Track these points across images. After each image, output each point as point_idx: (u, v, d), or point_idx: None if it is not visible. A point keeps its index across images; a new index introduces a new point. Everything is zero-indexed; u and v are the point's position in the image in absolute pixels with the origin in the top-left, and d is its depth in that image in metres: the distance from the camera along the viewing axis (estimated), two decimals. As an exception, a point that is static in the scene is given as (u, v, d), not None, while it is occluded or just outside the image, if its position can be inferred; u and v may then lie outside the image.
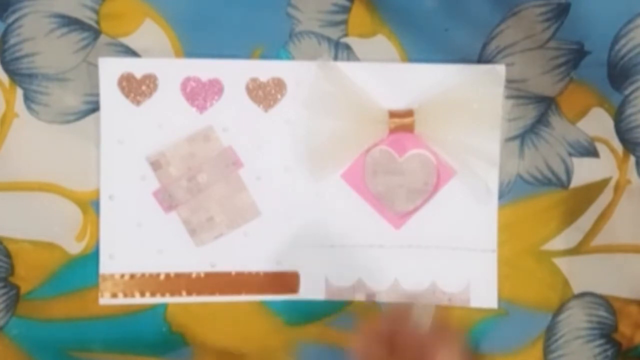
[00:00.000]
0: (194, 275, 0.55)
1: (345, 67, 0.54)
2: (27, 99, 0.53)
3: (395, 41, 0.54)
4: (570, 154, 0.56)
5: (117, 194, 0.54)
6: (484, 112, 0.54)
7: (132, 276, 0.55)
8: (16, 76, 0.53)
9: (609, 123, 0.55)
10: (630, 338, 0.58)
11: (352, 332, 0.52)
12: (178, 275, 0.55)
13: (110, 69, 0.53)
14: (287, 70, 0.54)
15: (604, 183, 0.56)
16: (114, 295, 0.55)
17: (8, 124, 0.53)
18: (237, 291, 0.55)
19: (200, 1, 0.53)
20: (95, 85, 0.53)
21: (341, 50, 0.54)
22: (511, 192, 0.56)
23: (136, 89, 0.53)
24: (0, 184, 0.53)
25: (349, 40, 0.54)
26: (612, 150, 0.56)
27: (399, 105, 0.54)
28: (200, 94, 0.54)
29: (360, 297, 0.56)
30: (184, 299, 0.55)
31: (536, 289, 0.57)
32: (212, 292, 0.55)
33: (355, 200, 0.56)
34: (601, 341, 0.58)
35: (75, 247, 0.54)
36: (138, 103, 0.54)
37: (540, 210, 0.56)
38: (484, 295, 0.56)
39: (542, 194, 0.56)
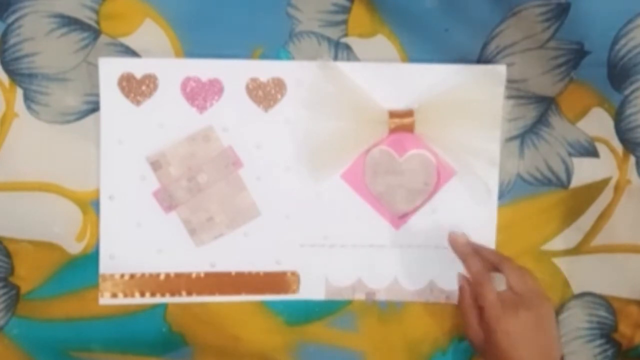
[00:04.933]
0: (194, 275, 0.55)
1: (345, 67, 0.54)
2: (27, 99, 0.53)
3: (395, 41, 0.54)
4: (570, 154, 0.56)
5: (117, 194, 0.54)
6: (484, 112, 0.54)
7: (132, 276, 0.55)
8: (16, 76, 0.53)
9: (609, 123, 0.55)
10: (630, 338, 0.58)
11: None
12: (178, 275, 0.55)
13: (110, 69, 0.53)
14: (287, 70, 0.54)
15: (604, 183, 0.56)
16: (114, 295, 0.55)
17: (8, 124, 0.53)
18: (237, 291, 0.55)
19: (200, 1, 0.52)
20: (95, 85, 0.53)
21: (341, 50, 0.54)
22: (511, 192, 0.56)
23: (136, 89, 0.53)
24: (0, 184, 0.53)
25: (349, 40, 0.54)
26: (612, 150, 0.56)
27: (399, 105, 0.54)
28: (200, 94, 0.54)
29: (360, 296, 0.56)
30: (184, 299, 0.55)
31: (536, 289, 0.57)
32: (212, 292, 0.55)
33: (355, 200, 0.56)
34: (601, 341, 0.58)
35: (75, 247, 0.54)
36: (138, 103, 0.54)
37: (540, 210, 0.57)
38: (484, 295, 0.56)
39: (542, 194, 0.56)
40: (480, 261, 0.52)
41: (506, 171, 0.56)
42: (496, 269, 0.51)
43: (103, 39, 0.53)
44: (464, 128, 0.54)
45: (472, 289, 0.52)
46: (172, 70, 0.54)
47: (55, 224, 0.54)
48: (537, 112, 0.55)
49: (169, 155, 0.54)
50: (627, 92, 0.54)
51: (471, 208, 0.56)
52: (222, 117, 0.54)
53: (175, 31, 0.53)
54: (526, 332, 0.48)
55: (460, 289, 0.54)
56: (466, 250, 0.54)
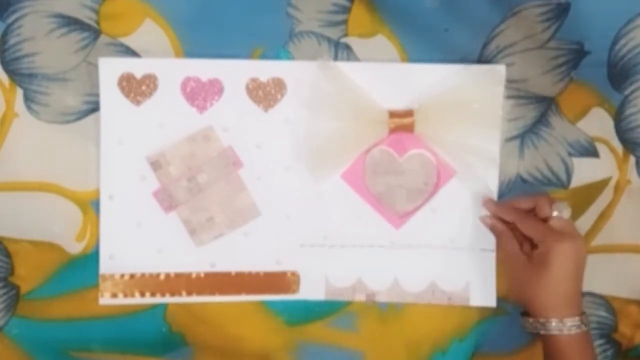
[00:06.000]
0: (194, 275, 0.55)
1: (345, 67, 0.54)
2: (27, 99, 0.53)
3: (395, 41, 0.54)
4: (570, 154, 0.56)
5: (117, 194, 0.54)
6: (484, 112, 0.54)
7: (132, 276, 0.55)
8: (16, 76, 0.53)
9: (609, 123, 0.55)
10: (630, 338, 0.58)
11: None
12: (178, 275, 0.55)
13: (110, 69, 0.53)
14: (287, 70, 0.54)
15: (604, 183, 0.56)
16: (114, 295, 0.55)
17: (8, 124, 0.53)
18: (237, 291, 0.55)
19: (200, 1, 0.52)
20: (95, 85, 0.53)
21: (341, 50, 0.54)
22: (511, 192, 0.56)
23: (136, 89, 0.53)
24: (0, 184, 0.53)
25: (349, 40, 0.54)
26: (612, 150, 0.56)
27: (399, 105, 0.54)
28: (200, 94, 0.54)
29: (360, 297, 0.56)
30: (184, 299, 0.55)
31: (536, 289, 0.57)
32: (212, 292, 0.55)
33: (355, 200, 0.56)
34: (601, 341, 0.58)
35: (75, 247, 0.54)
36: (138, 103, 0.54)
37: (540, 210, 0.57)
38: (483, 294, 0.56)
39: (542, 194, 0.56)
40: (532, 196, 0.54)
41: (506, 171, 0.56)
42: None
43: (103, 39, 0.53)
44: (464, 128, 0.54)
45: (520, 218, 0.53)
46: (172, 70, 0.54)
47: (55, 224, 0.54)
48: (537, 112, 0.55)
49: (169, 155, 0.54)
50: (627, 92, 0.54)
51: (471, 208, 0.56)
52: (222, 117, 0.54)
53: (175, 31, 0.53)
54: (580, 264, 0.51)
55: (493, 224, 0.55)
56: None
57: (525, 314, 0.53)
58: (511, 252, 0.53)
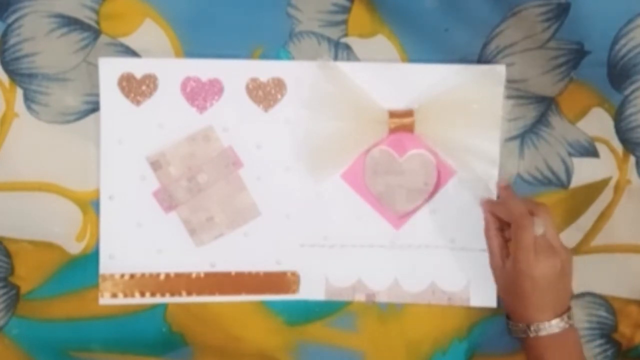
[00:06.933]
0: (194, 275, 0.55)
1: (345, 67, 0.54)
2: (27, 99, 0.53)
3: (395, 41, 0.54)
4: (570, 154, 0.56)
5: (117, 194, 0.54)
6: (484, 112, 0.54)
7: (132, 276, 0.55)
8: (16, 76, 0.53)
9: (609, 123, 0.55)
10: (630, 338, 0.58)
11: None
12: (178, 275, 0.55)
13: (110, 69, 0.53)
14: (287, 70, 0.54)
15: (604, 183, 0.56)
16: (114, 295, 0.55)
17: (8, 124, 0.53)
18: (237, 291, 0.55)
19: (200, 1, 0.52)
20: (95, 85, 0.53)
21: (341, 50, 0.54)
22: (511, 192, 0.56)
23: (136, 89, 0.53)
24: (0, 184, 0.53)
25: (349, 40, 0.54)
26: (612, 150, 0.56)
27: (399, 105, 0.54)
28: (200, 94, 0.54)
29: (360, 297, 0.56)
30: (184, 299, 0.55)
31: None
32: (212, 292, 0.55)
33: (355, 200, 0.56)
34: (601, 341, 0.58)
35: (75, 247, 0.54)
36: (138, 103, 0.54)
37: (540, 210, 0.56)
38: (484, 294, 0.56)
39: (542, 194, 0.56)
40: (523, 204, 0.52)
41: (506, 171, 0.56)
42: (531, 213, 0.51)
43: (103, 39, 0.53)
44: (464, 128, 0.54)
45: (505, 225, 0.53)
46: (172, 70, 0.54)
47: (55, 224, 0.54)
48: (537, 112, 0.55)
49: (169, 155, 0.54)
50: (627, 92, 0.54)
51: (471, 208, 0.56)
52: (222, 117, 0.54)
53: (175, 31, 0.53)
54: (551, 278, 0.49)
55: (485, 220, 0.54)
56: (506, 193, 0.54)
57: (509, 317, 0.53)
58: (492, 249, 0.53)
